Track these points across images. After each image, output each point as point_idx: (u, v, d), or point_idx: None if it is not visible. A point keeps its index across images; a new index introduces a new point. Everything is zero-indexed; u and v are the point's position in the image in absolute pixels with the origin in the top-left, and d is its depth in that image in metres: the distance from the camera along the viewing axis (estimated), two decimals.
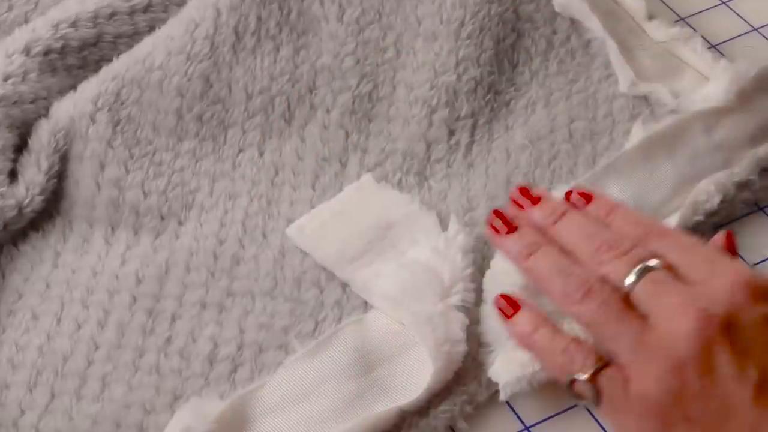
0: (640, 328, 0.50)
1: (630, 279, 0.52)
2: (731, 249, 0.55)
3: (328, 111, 0.71)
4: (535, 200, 0.59)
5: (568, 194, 0.59)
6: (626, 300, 0.51)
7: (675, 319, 0.49)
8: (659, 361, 0.49)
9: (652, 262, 0.52)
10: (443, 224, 0.65)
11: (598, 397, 0.51)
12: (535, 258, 0.56)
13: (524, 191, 0.59)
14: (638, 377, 0.50)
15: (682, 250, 0.52)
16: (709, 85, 0.69)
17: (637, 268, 0.52)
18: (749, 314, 0.48)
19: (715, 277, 0.50)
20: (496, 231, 0.58)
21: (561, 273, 0.54)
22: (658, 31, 0.74)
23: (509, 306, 0.57)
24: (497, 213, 0.59)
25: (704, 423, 0.48)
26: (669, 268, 0.51)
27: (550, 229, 0.57)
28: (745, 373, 0.47)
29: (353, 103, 0.71)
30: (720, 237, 0.56)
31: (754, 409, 0.47)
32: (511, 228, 0.58)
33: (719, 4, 0.79)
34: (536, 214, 0.58)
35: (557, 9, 0.74)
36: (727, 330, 0.48)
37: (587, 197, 0.58)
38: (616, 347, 0.51)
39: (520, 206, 0.59)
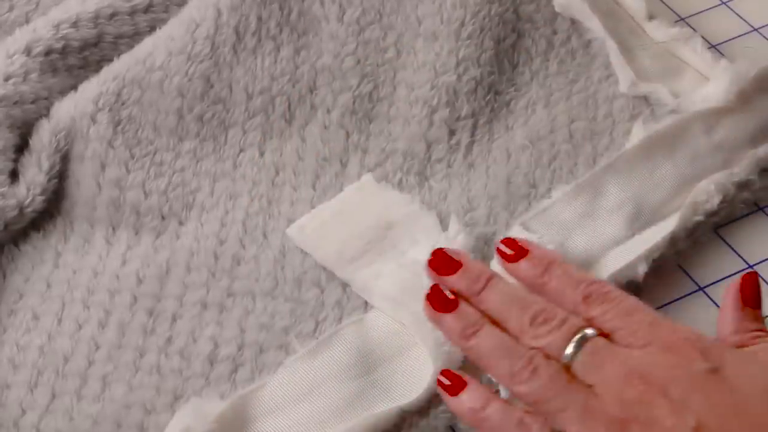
0: (586, 397, 0.51)
1: (569, 350, 0.52)
2: (747, 296, 0.55)
3: (328, 111, 0.71)
4: (457, 266, 0.58)
5: (505, 242, 0.59)
6: (568, 371, 0.52)
7: (618, 387, 0.50)
8: (606, 427, 0.49)
9: (589, 331, 0.52)
10: (443, 224, 0.65)
11: None
12: (477, 339, 0.55)
13: (444, 258, 0.59)
14: None
15: (622, 315, 0.53)
16: (709, 85, 0.69)
17: (575, 338, 0.52)
18: (687, 372, 0.49)
19: (655, 341, 0.51)
20: (434, 308, 0.57)
21: (505, 354, 0.54)
22: (658, 31, 0.74)
23: (454, 384, 0.55)
24: (435, 289, 0.58)
25: None
26: (606, 335, 0.52)
27: (474, 299, 0.57)
28: (684, 421, 0.48)
29: (354, 103, 0.71)
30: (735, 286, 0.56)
31: None
32: (450, 307, 0.57)
33: (719, 4, 0.79)
34: (459, 283, 0.58)
35: (557, 9, 0.74)
36: (667, 389, 0.49)
37: (522, 252, 0.58)
38: (564, 418, 0.51)
39: (444, 273, 0.58)
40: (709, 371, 0.49)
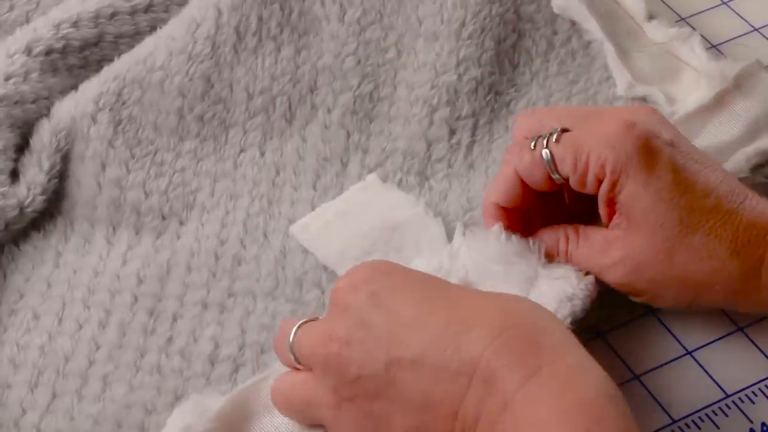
0: (305, 381, 0.54)
1: (291, 335, 0.55)
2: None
3: (329, 111, 0.71)
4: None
5: None
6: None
7: (311, 359, 0.54)
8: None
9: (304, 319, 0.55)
10: (445, 224, 0.65)
11: None
12: None
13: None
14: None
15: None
16: (701, 87, 0.69)
17: (297, 324, 0.55)
18: (354, 307, 0.52)
19: (332, 300, 0.54)
20: None
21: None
22: (658, 32, 0.74)
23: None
24: None
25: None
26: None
27: None
28: (372, 361, 0.51)
29: (354, 103, 0.71)
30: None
31: (394, 386, 0.51)
32: None
33: (719, 4, 0.79)
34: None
35: (556, 11, 0.74)
36: (344, 333, 0.52)
37: None
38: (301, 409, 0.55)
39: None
40: (367, 298, 0.52)
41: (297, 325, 0.55)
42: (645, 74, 0.72)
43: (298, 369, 0.55)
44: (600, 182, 0.58)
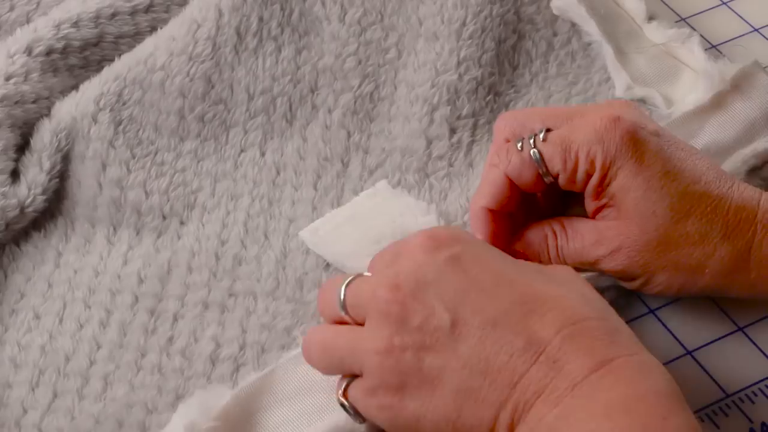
0: (355, 331, 0.54)
1: (341, 297, 0.55)
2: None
3: (329, 111, 0.71)
4: None
5: None
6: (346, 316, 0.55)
7: (373, 304, 0.53)
8: (377, 358, 0.52)
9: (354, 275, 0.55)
10: (446, 224, 0.65)
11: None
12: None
13: None
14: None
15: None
16: (698, 88, 0.70)
17: (343, 284, 0.55)
18: (431, 263, 0.53)
19: (399, 249, 0.54)
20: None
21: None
22: (657, 33, 0.74)
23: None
24: None
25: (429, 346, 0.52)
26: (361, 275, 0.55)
27: None
28: (438, 316, 0.51)
29: (355, 103, 0.71)
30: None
31: (454, 344, 0.51)
32: None
33: (719, 5, 0.79)
34: None
35: (555, 12, 0.74)
36: (415, 284, 0.52)
37: None
38: (346, 358, 0.54)
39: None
40: (449, 258, 0.53)
41: (347, 281, 0.55)
42: (644, 75, 0.72)
43: (344, 323, 0.55)
44: (590, 177, 0.58)
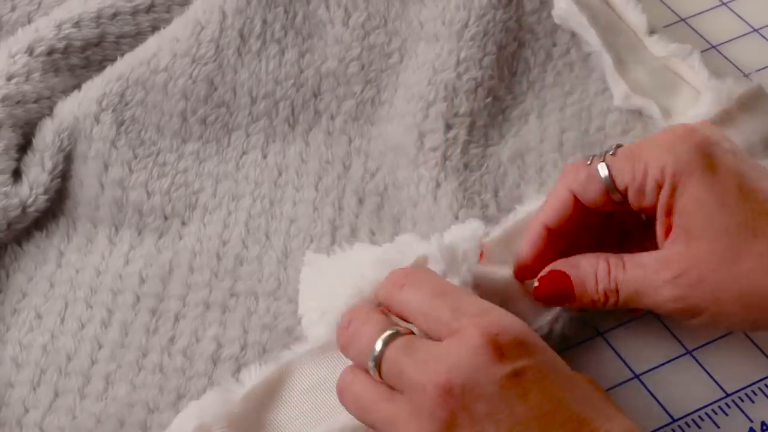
0: (394, 407, 0.51)
1: (378, 347, 0.51)
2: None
3: (332, 117, 0.71)
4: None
5: None
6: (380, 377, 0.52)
7: (418, 394, 0.49)
8: None
9: (390, 331, 0.51)
10: (440, 216, 0.64)
11: None
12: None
13: None
14: None
15: (424, 308, 0.52)
16: (700, 104, 0.69)
17: (384, 335, 0.51)
18: (490, 376, 0.49)
19: (456, 337, 0.50)
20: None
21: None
22: (658, 46, 0.73)
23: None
24: None
25: None
26: (410, 332, 0.52)
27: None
28: None
29: (356, 108, 0.71)
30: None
31: None
32: None
33: (719, 5, 0.79)
34: None
35: (556, 21, 0.74)
36: (468, 395, 0.48)
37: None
38: (380, 427, 0.51)
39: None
40: (511, 375, 0.49)
41: (384, 337, 0.51)
42: (642, 86, 0.72)
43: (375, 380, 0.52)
44: (660, 189, 0.55)
